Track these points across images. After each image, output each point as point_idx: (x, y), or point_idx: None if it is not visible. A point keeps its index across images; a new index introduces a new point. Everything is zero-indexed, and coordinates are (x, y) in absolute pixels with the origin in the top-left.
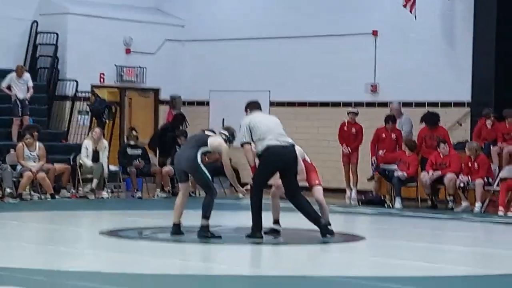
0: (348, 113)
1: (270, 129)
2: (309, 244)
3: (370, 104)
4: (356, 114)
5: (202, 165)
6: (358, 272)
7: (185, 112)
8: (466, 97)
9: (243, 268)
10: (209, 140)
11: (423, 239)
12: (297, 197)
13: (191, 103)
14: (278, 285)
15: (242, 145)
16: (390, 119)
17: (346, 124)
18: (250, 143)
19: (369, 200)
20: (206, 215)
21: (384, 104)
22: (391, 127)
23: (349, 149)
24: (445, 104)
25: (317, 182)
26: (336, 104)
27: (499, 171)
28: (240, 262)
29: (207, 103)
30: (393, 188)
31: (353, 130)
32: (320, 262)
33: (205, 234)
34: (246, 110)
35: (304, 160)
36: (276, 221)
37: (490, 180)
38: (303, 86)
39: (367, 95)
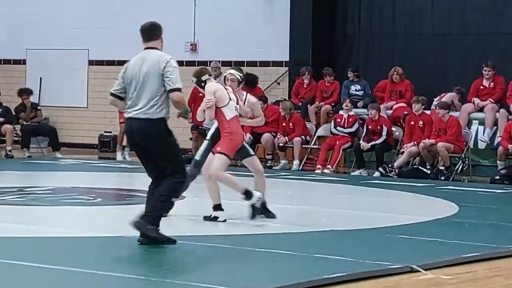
0: None
1: None
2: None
3: (190, 63)
4: None
5: None
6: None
7: (1, 71)
8: (284, 56)
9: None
10: None
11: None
12: None
13: (7, 62)
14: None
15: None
16: None
17: None
18: None
19: (190, 159)
20: None
21: (204, 63)
22: None
23: None
24: (264, 63)
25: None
26: None
27: (316, 129)
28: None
29: (24, 62)
30: None
31: None
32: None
33: None
34: None
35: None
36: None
37: (308, 138)
38: (122, 45)
39: (187, 54)
